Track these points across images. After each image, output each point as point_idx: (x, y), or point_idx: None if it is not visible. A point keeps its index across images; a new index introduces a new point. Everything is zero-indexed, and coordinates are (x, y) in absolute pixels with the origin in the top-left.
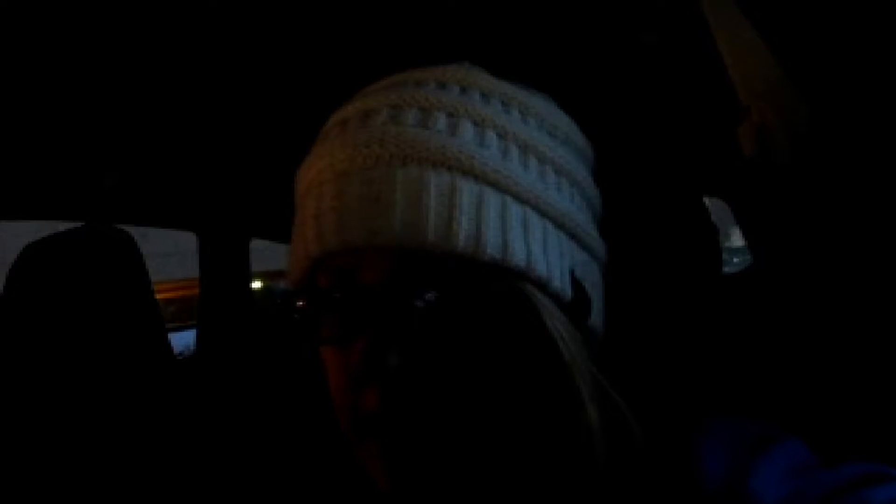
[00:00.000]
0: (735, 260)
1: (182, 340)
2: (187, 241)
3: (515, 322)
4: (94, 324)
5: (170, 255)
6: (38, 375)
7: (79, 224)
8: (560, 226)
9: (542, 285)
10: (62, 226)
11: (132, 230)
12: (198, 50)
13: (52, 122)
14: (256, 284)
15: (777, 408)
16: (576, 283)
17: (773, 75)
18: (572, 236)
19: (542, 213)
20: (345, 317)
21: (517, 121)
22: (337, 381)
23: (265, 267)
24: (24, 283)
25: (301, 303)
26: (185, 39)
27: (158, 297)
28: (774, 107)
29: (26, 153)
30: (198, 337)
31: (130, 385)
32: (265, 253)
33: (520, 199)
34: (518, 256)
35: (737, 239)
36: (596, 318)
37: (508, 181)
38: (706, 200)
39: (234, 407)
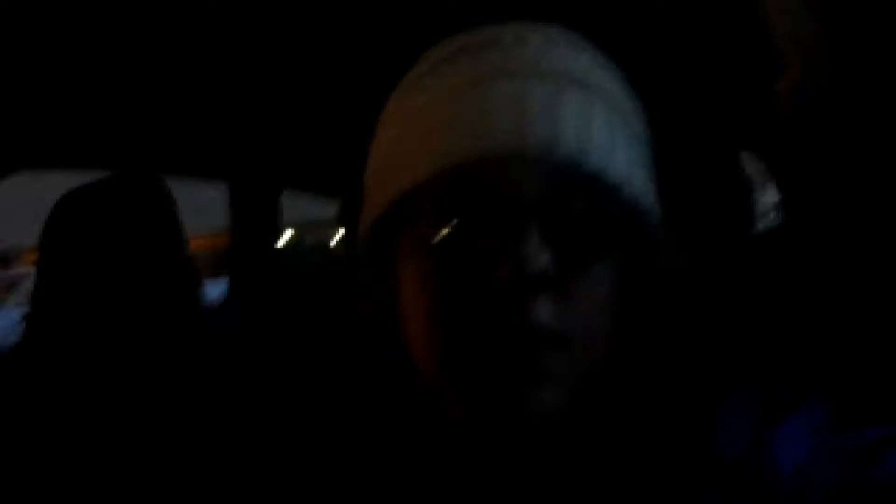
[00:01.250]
0: (771, 215)
1: (213, 290)
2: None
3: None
4: (128, 270)
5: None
6: (77, 322)
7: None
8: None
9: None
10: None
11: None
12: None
13: (88, 72)
14: (288, 233)
15: (802, 372)
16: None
17: (813, 32)
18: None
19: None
20: (491, 227)
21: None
22: (471, 298)
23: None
24: (61, 230)
25: (446, 217)
26: None
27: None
28: (813, 63)
29: (64, 104)
30: (229, 288)
31: (164, 334)
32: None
33: (636, 137)
34: (626, 179)
35: (772, 195)
36: None
37: (629, 117)
38: (743, 155)
39: (268, 358)
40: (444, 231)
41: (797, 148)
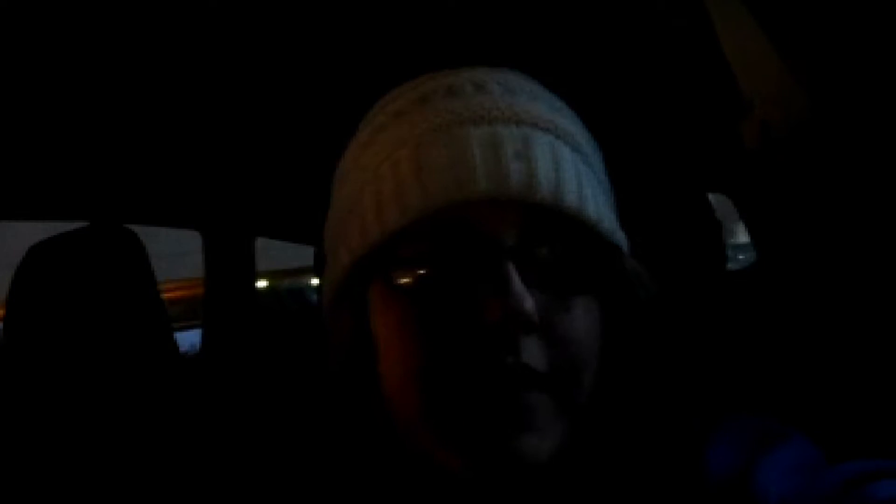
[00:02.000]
0: (740, 257)
1: (188, 340)
2: (193, 240)
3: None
4: (99, 323)
5: (178, 256)
6: (45, 375)
7: (84, 224)
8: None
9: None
10: (66, 228)
11: (141, 230)
12: (202, 49)
13: (57, 121)
14: (262, 283)
15: (781, 403)
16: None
17: (776, 70)
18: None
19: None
20: (473, 271)
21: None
22: (455, 338)
23: (271, 266)
24: (30, 284)
25: (423, 261)
26: (189, 38)
27: (164, 296)
28: (776, 101)
29: (32, 153)
30: (203, 336)
31: (135, 384)
32: (271, 252)
33: (599, 178)
34: (599, 218)
35: (741, 235)
36: None
37: (591, 159)
38: (710, 196)
39: (239, 406)
40: (424, 277)
41: (764, 187)
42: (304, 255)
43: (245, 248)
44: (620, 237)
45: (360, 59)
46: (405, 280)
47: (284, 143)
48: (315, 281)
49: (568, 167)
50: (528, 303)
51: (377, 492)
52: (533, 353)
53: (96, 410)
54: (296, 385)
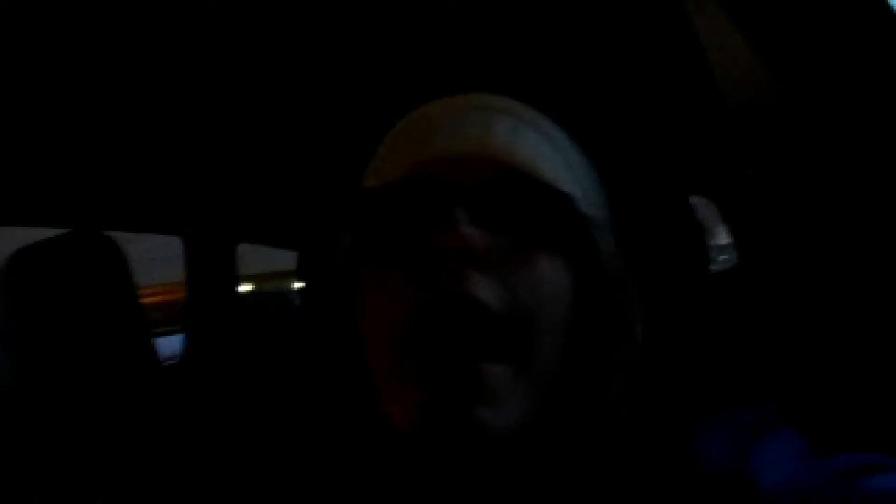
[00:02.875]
0: (721, 258)
1: (169, 345)
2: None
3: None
4: (77, 329)
5: (159, 259)
6: (26, 380)
7: (65, 231)
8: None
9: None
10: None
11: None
12: (185, 55)
13: (40, 127)
14: (245, 288)
15: (766, 399)
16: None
17: (758, 75)
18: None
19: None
20: (428, 215)
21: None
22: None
23: (253, 270)
24: (9, 290)
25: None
26: (171, 43)
27: (144, 301)
28: (757, 106)
29: (11, 160)
30: (185, 342)
31: (115, 390)
32: (248, 256)
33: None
34: (548, 170)
35: (722, 237)
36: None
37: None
38: (692, 199)
39: (221, 413)
40: (393, 233)
41: (746, 189)
42: (285, 258)
43: (227, 252)
44: (596, 216)
45: (342, 66)
46: (385, 241)
47: (267, 148)
48: (297, 285)
49: (525, 136)
50: (470, 232)
51: (361, 469)
52: (482, 287)
53: (75, 416)
54: (280, 386)
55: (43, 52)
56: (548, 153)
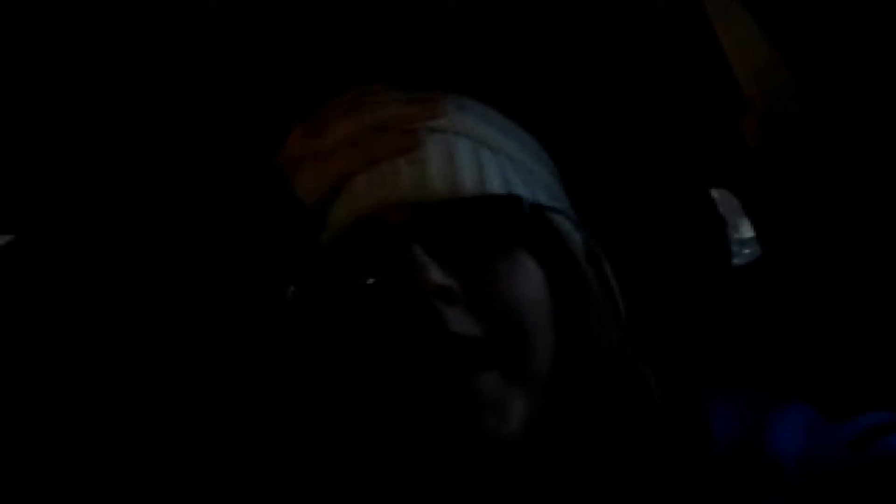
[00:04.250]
0: (745, 251)
1: None
2: None
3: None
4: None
5: None
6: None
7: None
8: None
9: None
10: None
11: None
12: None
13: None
14: None
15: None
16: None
17: (774, 67)
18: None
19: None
20: (386, 265)
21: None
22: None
23: None
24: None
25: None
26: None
27: None
28: (775, 98)
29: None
30: None
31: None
32: None
33: (510, 158)
34: (498, 186)
35: (746, 230)
36: None
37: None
38: (714, 192)
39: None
40: (351, 283)
41: (767, 183)
42: None
43: None
44: (549, 201)
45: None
46: (341, 288)
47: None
48: None
49: (463, 157)
50: (434, 272)
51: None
52: (460, 321)
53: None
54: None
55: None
56: (494, 166)
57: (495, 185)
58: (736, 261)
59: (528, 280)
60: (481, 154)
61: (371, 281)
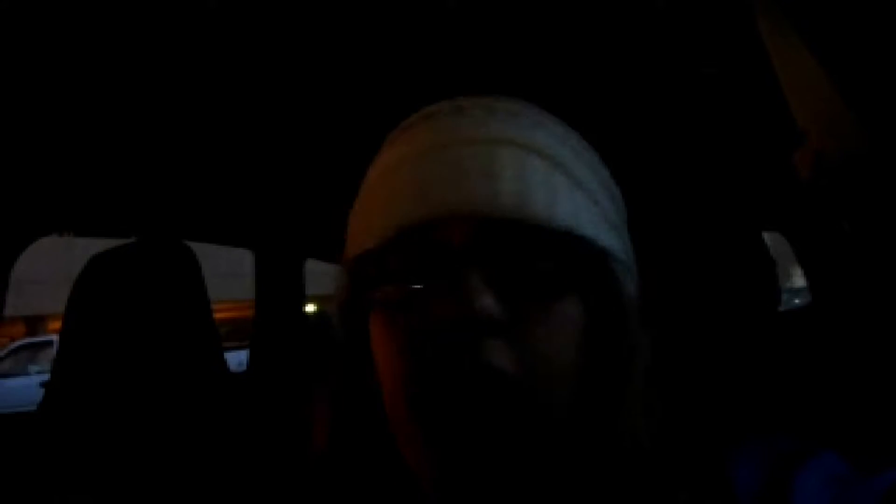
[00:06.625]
0: (796, 301)
1: (235, 360)
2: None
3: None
4: (153, 333)
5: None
6: (99, 388)
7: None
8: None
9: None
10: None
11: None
12: (262, 74)
13: (114, 138)
14: (310, 308)
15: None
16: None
17: (832, 101)
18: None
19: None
20: (434, 280)
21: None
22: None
23: (321, 290)
24: (88, 293)
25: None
26: (257, 59)
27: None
28: (833, 133)
29: (89, 171)
30: (250, 355)
31: (185, 395)
32: (321, 277)
33: (580, 185)
34: (563, 219)
35: (798, 279)
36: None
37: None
38: (765, 235)
39: (283, 425)
40: (395, 293)
41: (821, 226)
42: None
43: (295, 268)
44: (614, 247)
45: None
46: (381, 296)
47: (336, 165)
48: None
49: (536, 179)
50: (483, 300)
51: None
52: (496, 353)
53: (147, 423)
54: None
55: (118, 66)
56: (565, 192)
57: (565, 216)
58: (783, 307)
59: (574, 325)
60: (555, 178)
61: (418, 287)
